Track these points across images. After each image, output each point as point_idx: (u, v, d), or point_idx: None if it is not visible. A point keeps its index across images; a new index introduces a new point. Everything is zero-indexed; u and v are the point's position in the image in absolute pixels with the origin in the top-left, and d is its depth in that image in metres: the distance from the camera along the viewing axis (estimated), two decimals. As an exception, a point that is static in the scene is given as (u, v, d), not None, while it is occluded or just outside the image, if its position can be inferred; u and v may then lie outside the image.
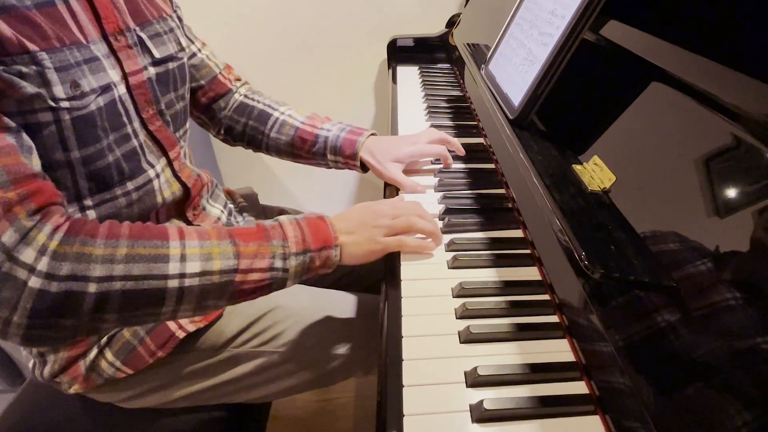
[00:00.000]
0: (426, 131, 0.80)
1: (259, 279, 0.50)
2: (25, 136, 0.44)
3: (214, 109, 0.80)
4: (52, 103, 0.45)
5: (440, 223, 0.65)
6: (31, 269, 0.41)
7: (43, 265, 0.41)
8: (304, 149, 0.79)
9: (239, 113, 0.81)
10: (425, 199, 0.71)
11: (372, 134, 0.78)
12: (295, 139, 0.79)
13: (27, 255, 0.41)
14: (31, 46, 0.44)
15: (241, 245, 0.49)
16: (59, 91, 0.46)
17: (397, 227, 0.58)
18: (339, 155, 0.78)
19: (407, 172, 0.77)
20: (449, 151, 0.78)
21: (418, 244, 0.59)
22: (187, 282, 0.46)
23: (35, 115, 0.45)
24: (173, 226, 0.49)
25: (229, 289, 0.49)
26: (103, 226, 0.46)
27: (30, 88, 0.43)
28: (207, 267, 0.47)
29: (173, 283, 0.45)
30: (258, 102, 0.81)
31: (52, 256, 0.42)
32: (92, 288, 0.42)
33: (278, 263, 0.51)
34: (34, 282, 0.41)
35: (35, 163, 0.45)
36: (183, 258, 0.46)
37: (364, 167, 0.78)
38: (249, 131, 0.81)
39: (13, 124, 0.43)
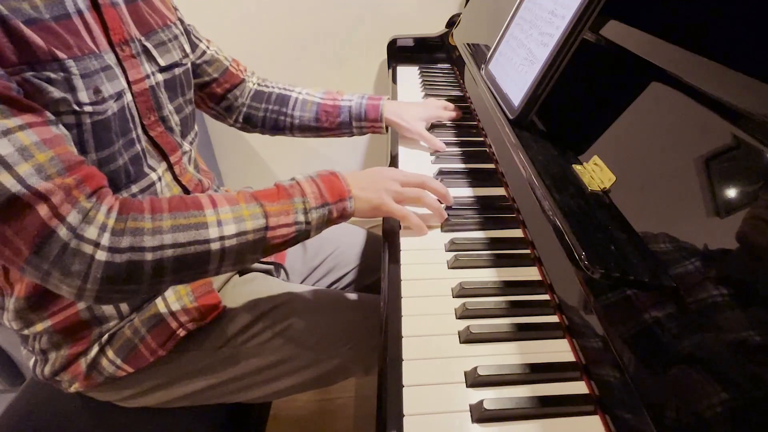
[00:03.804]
0: (430, 101, 0.95)
1: (286, 233, 0.55)
2: (62, 127, 0.48)
3: (230, 98, 0.85)
4: (77, 108, 0.49)
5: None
6: (96, 244, 0.46)
7: (105, 240, 0.46)
8: (328, 121, 0.87)
9: (258, 100, 0.87)
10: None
11: (387, 98, 0.89)
12: (319, 113, 0.86)
13: (90, 232, 0.45)
14: (60, 55, 0.47)
15: (267, 205, 0.54)
16: (84, 96, 0.49)
17: (406, 195, 0.63)
18: (364, 121, 0.87)
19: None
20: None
21: (419, 224, 0.63)
22: (227, 243, 0.51)
23: (59, 118, 0.48)
24: (205, 195, 0.54)
25: (261, 245, 0.54)
26: (146, 202, 0.50)
27: (57, 93, 0.47)
28: (241, 228, 0.52)
29: (216, 245, 0.51)
30: (273, 87, 0.88)
31: (112, 232, 0.46)
32: (149, 256, 0.48)
33: (301, 217, 0.56)
34: (101, 255, 0.46)
35: (76, 152, 0.48)
36: (219, 223, 0.51)
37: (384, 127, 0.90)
38: (270, 115, 0.87)
39: (53, 117, 0.47)
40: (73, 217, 0.45)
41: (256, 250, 0.54)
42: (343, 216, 0.59)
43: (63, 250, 0.44)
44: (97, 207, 0.47)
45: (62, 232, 0.44)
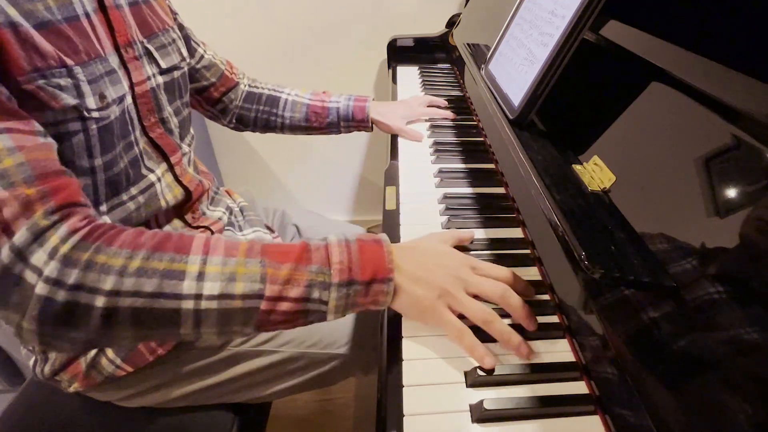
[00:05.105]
0: (416, 98, 0.99)
1: (289, 309, 0.43)
2: (50, 138, 0.44)
3: (225, 101, 0.88)
4: (86, 114, 0.47)
5: (441, 220, 0.65)
6: (40, 273, 0.38)
7: (51, 270, 0.38)
8: (318, 122, 0.91)
9: (249, 102, 0.90)
10: (425, 193, 0.71)
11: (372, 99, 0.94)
12: (309, 114, 0.90)
13: (38, 257, 0.38)
14: (68, 61, 0.46)
15: (271, 267, 0.43)
16: (91, 102, 0.48)
17: (480, 289, 0.47)
18: (351, 121, 0.91)
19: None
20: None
21: (485, 353, 0.44)
22: (204, 304, 0.41)
23: (66, 124, 0.46)
24: (201, 236, 0.44)
25: (254, 317, 0.42)
26: (126, 233, 0.42)
27: (70, 100, 0.46)
28: (228, 289, 0.41)
29: (188, 305, 0.40)
30: (263, 89, 0.92)
31: (62, 261, 0.38)
32: (100, 302, 0.39)
33: (315, 293, 0.43)
34: (41, 288, 0.38)
35: (58, 164, 0.44)
36: (201, 276, 0.41)
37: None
38: (261, 115, 0.91)
39: (42, 128, 0.43)
40: (21, 236, 0.38)
41: (245, 322, 0.43)
42: (377, 303, 0.45)
43: (2, 274, 0.37)
44: (56, 227, 0.39)
45: (4, 252, 0.37)
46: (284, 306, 0.42)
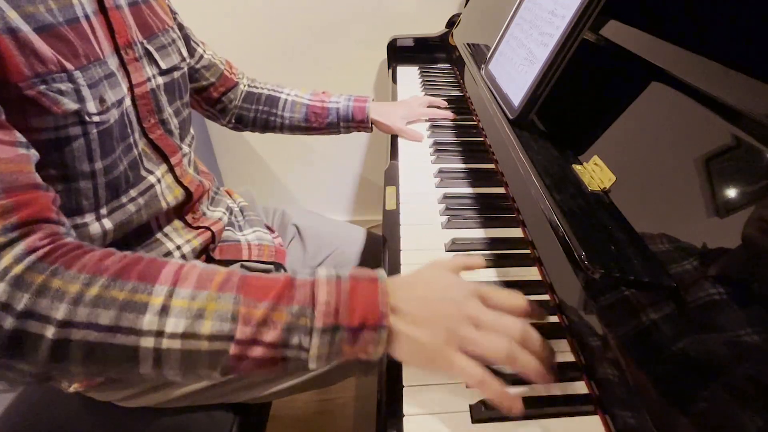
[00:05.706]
0: (416, 98, 0.99)
1: (264, 356, 0.37)
2: (33, 151, 0.42)
3: (224, 101, 0.88)
4: (86, 118, 0.47)
5: (441, 220, 0.65)
6: None
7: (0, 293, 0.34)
8: (317, 122, 0.91)
9: (248, 102, 0.90)
10: (425, 193, 0.71)
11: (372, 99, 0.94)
12: (309, 115, 0.90)
13: None
14: (68, 66, 0.45)
15: (245, 305, 0.37)
16: (91, 106, 0.48)
17: (496, 328, 0.40)
18: (351, 122, 0.91)
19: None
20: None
21: (514, 399, 0.39)
22: (165, 343, 0.36)
23: (67, 129, 0.46)
24: (174, 263, 0.40)
25: (221, 361, 0.37)
26: (90, 255, 0.38)
27: (71, 105, 0.45)
28: (194, 328, 0.36)
29: (147, 342, 0.36)
30: (262, 89, 0.91)
31: (13, 284, 0.34)
32: (50, 332, 0.34)
33: (295, 339, 0.37)
34: None
35: (36, 177, 0.41)
36: (164, 311, 0.36)
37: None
38: (261, 115, 0.90)
39: (23, 139, 0.41)
40: None
41: (213, 365, 0.37)
42: (366, 353, 0.39)
43: None
44: (13, 245, 0.35)
45: None
46: (257, 351, 0.37)
